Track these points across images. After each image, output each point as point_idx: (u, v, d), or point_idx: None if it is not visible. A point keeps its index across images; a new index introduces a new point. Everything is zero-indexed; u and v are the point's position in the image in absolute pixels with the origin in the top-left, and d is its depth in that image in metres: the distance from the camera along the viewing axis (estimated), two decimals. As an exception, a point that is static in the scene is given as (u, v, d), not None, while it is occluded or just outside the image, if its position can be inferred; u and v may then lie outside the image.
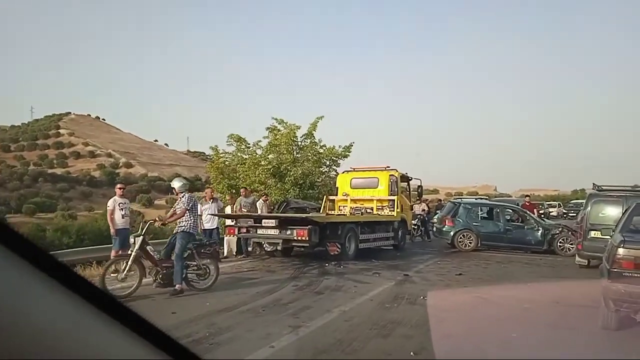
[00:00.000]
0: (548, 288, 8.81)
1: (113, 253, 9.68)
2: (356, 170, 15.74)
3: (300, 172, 17.84)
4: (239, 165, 18.85)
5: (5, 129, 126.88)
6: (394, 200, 14.16)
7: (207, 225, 11.52)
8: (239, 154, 19.63)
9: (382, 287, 8.35)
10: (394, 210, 14.04)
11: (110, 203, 9.81)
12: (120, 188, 10.20)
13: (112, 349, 0.80)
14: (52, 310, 0.73)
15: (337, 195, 15.24)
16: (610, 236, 6.54)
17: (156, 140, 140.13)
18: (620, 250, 5.30)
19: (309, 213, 13.29)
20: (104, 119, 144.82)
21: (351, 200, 14.66)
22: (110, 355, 0.80)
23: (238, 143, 19.58)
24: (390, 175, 14.72)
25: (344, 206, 14.73)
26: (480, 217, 15.29)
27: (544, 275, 10.47)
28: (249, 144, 19.66)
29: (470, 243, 14.50)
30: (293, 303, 6.97)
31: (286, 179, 17.87)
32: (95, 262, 10.44)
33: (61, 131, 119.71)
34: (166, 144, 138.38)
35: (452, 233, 14.75)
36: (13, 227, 0.73)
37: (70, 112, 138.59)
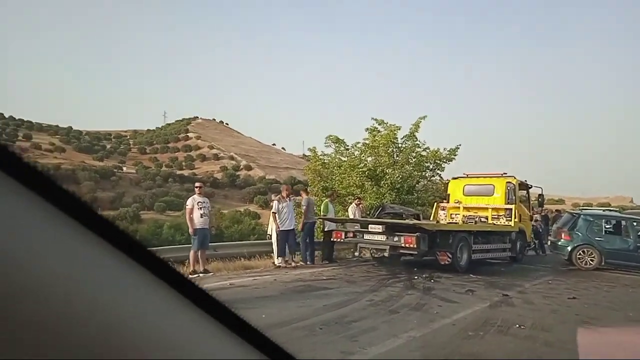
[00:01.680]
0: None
1: (192, 253, 9.56)
2: (470, 177, 14.76)
3: (397, 175, 16.85)
4: (335, 168, 18.32)
5: (142, 133, 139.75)
6: (512, 209, 13.08)
7: (284, 226, 11.05)
8: (337, 155, 19.12)
9: (471, 309, 7.18)
10: (511, 220, 12.98)
11: (189, 202, 9.69)
12: (198, 187, 10.07)
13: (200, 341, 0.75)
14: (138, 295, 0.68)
15: (448, 202, 14.50)
16: None
17: (274, 144, 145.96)
18: None
19: (405, 219, 12.53)
20: (227, 123, 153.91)
21: (464, 207, 13.89)
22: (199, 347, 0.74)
23: (336, 145, 19.09)
24: (507, 182, 13.64)
25: (456, 214, 14.02)
26: (605, 231, 13.15)
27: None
28: (347, 145, 19.07)
29: (591, 261, 12.50)
30: (359, 322, 6.13)
31: (382, 182, 16.97)
32: (173, 261, 10.35)
33: (189, 134, 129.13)
34: (283, 148, 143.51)
35: (569, 248, 12.83)
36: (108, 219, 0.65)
37: (197, 117, 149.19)
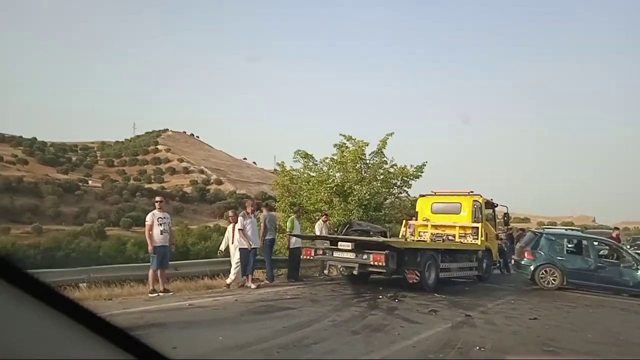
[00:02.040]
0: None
1: (151, 272, 9.27)
2: (437, 194, 14.89)
3: (365, 192, 16.86)
4: (304, 183, 18.23)
5: (110, 144, 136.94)
6: (478, 227, 13.21)
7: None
8: (306, 170, 19.04)
9: (433, 330, 7.13)
10: (477, 239, 13.10)
11: (148, 218, 9.40)
12: (158, 201, 9.78)
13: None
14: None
15: (417, 219, 14.51)
16: None
17: (245, 158, 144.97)
18: None
19: (372, 236, 12.57)
20: (197, 137, 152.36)
21: (432, 225, 13.93)
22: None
23: (305, 159, 19.00)
24: (474, 200, 13.82)
25: (424, 232, 14.04)
26: (566, 250, 13.35)
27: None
28: (316, 161, 19.02)
29: (553, 280, 12.65)
30: (318, 344, 5.98)
31: (350, 198, 16.95)
32: (132, 280, 10.01)
33: (159, 147, 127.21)
34: (254, 162, 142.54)
35: (531, 267, 12.95)
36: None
37: (167, 129, 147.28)
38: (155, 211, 9.48)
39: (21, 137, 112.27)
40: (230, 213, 11.74)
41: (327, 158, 19.01)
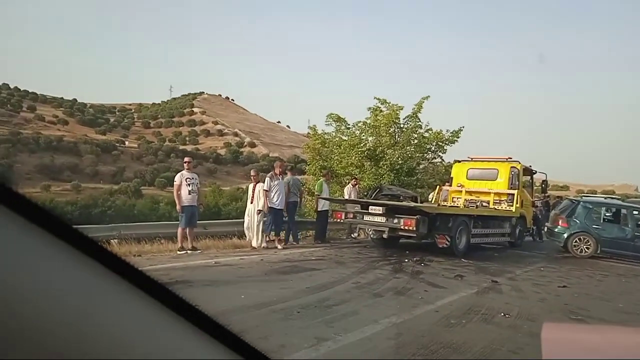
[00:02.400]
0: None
1: (179, 231, 9.43)
2: (474, 160, 14.61)
3: (397, 156, 16.61)
4: (335, 147, 18.08)
5: (147, 106, 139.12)
6: (514, 194, 12.99)
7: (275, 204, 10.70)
8: (338, 134, 18.85)
9: (457, 295, 7.05)
10: (512, 205, 12.89)
11: (177, 178, 9.51)
12: (187, 162, 9.85)
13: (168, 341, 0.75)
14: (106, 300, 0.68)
15: (451, 185, 14.39)
16: None
17: (279, 122, 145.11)
18: None
19: (402, 201, 12.46)
20: (232, 99, 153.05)
21: (466, 191, 13.76)
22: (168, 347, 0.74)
23: (337, 123, 18.77)
24: (511, 167, 13.56)
25: (458, 197, 13.91)
26: (603, 218, 12.94)
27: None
28: (348, 124, 18.78)
29: (587, 249, 12.34)
30: (340, 306, 5.99)
31: (382, 163, 16.74)
32: (163, 238, 10.22)
33: (195, 109, 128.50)
34: (288, 126, 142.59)
35: (565, 235, 12.64)
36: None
37: (203, 92, 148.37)
38: (183, 171, 9.57)
39: (62, 98, 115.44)
40: (252, 172, 11.48)
41: (360, 122, 18.77)
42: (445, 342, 4.85)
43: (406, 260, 9.93)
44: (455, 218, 11.01)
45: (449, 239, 10.67)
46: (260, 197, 10.49)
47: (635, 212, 12.83)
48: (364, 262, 9.40)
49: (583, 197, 15.30)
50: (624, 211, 12.91)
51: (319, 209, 12.21)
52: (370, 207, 10.97)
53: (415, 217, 10.20)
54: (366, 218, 11.04)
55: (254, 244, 10.53)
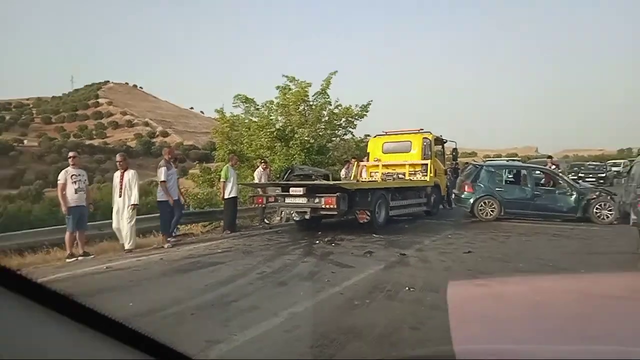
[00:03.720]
0: (578, 278, 7.12)
1: (67, 235, 8.58)
2: (388, 134, 14.90)
3: (306, 134, 16.37)
4: (244, 129, 17.53)
5: (47, 100, 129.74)
6: (427, 164, 13.43)
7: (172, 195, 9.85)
8: (247, 116, 18.29)
9: (365, 274, 6.91)
10: (427, 175, 13.33)
11: (60, 176, 8.55)
12: (72, 157, 8.90)
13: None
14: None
15: (368, 160, 14.66)
16: None
17: (192, 108, 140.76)
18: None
19: (314, 180, 12.35)
20: (141, 87, 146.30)
21: (383, 165, 14.06)
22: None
23: (246, 104, 18.19)
24: (423, 138, 13.96)
25: (375, 172, 14.19)
26: (505, 181, 13.48)
27: (572, 251, 8.74)
28: (257, 105, 18.24)
29: (492, 212, 12.80)
30: (239, 301, 5.61)
31: (292, 143, 16.44)
32: (51, 246, 9.20)
33: (100, 100, 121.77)
34: (202, 112, 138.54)
35: (471, 200, 13.05)
36: None
37: (108, 81, 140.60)
38: (68, 168, 8.65)
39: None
40: (118, 158, 9.80)
41: (268, 101, 18.29)
42: (346, 328, 4.62)
43: (317, 241, 9.75)
44: (374, 192, 11.18)
45: (369, 214, 10.80)
46: (131, 187, 9.24)
47: (534, 173, 13.47)
48: (273, 249, 9.08)
49: (486, 162, 15.89)
50: (523, 172, 13.50)
51: (225, 197, 11.69)
52: (290, 188, 10.87)
53: (335, 194, 10.22)
54: (288, 200, 10.96)
55: (127, 246, 9.23)
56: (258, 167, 14.13)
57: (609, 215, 11.82)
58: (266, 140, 16.67)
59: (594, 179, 25.97)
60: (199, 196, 15.99)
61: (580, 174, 26.70)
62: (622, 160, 40.95)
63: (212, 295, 5.89)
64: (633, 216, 9.87)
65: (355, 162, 14.80)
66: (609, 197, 12.12)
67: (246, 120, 18.12)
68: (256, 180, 13.41)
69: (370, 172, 14.31)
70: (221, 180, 11.94)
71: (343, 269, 7.26)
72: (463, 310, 1.68)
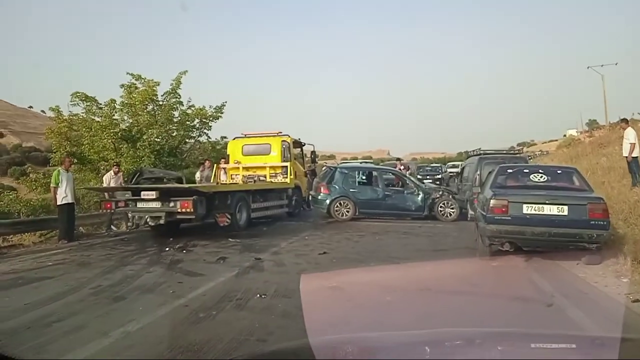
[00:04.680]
0: (419, 268, 7.39)
1: None
2: (247, 137, 14.76)
3: (156, 135, 15.39)
4: (85, 130, 15.95)
5: None
6: (287, 166, 13.49)
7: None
8: (89, 115, 16.67)
9: (214, 282, 6.45)
10: (287, 177, 13.38)
11: None
12: None
13: None
14: None
15: (228, 162, 14.32)
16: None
17: (31, 107, 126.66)
18: (492, 201, 7.01)
19: (165, 184, 11.61)
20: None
21: (243, 167, 13.87)
22: None
23: (87, 103, 16.56)
24: (282, 140, 14.06)
25: (236, 174, 13.95)
26: (358, 182, 13.93)
27: (420, 248, 9.15)
28: (100, 104, 16.71)
29: (347, 212, 13.12)
30: (64, 321, 4.83)
31: (139, 144, 15.33)
32: None
33: None
34: (43, 111, 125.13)
35: (327, 201, 13.26)
36: None
37: None
38: None
39: None
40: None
41: (112, 100, 16.84)
42: (186, 345, 4.16)
43: (167, 249, 9.05)
44: (234, 195, 11.01)
45: (229, 217, 10.58)
46: None
47: (384, 174, 14.09)
48: (115, 260, 8.20)
49: (340, 164, 16.35)
50: (375, 174, 14.09)
51: (59, 203, 10.40)
52: (142, 192, 10.18)
53: (191, 198, 9.81)
54: (140, 205, 10.33)
55: None
56: (110, 170, 12.94)
57: (451, 213, 12.71)
58: (110, 141, 15.38)
59: (431, 180, 28.17)
60: (32, 202, 14.16)
61: (418, 175, 28.82)
62: (460, 162, 45.42)
63: (31, 316, 5.03)
64: (470, 212, 10.75)
65: (210, 164, 14.28)
66: (450, 197, 13.07)
67: (87, 120, 16.53)
68: (105, 184, 12.27)
69: (231, 175, 14.08)
70: (51, 185, 10.65)
71: (192, 278, 6.75)
72: (315, 302, 1.63)
